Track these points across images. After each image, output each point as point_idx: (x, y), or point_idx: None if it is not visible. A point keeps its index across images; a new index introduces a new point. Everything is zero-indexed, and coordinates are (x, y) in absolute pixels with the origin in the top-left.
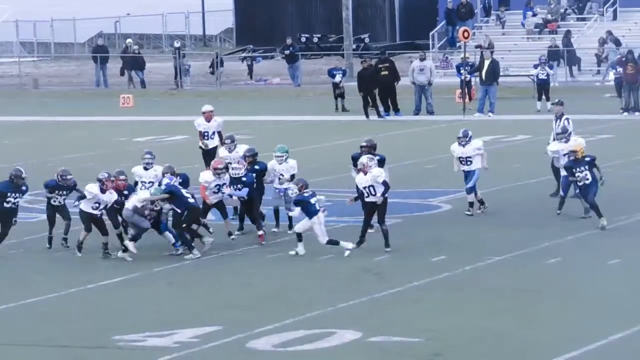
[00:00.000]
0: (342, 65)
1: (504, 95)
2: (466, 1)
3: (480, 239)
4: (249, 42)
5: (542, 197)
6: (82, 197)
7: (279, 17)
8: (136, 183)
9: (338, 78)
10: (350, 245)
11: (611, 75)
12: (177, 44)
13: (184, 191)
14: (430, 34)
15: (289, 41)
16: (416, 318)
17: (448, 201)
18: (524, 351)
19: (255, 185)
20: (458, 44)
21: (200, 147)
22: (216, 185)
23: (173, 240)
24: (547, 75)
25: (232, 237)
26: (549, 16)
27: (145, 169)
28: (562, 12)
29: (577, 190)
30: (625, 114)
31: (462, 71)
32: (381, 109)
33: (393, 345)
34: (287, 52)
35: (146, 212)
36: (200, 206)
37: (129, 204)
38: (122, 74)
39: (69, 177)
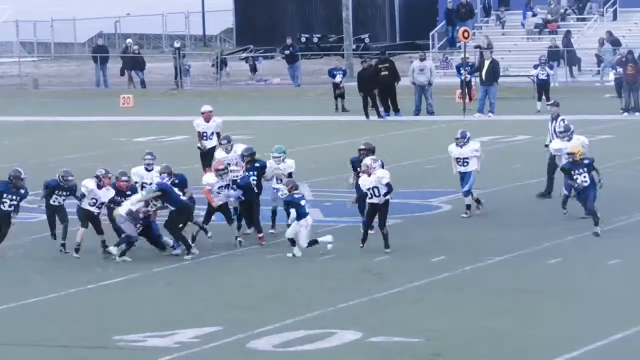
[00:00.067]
0: (342, 66)
1: (504, 96)
2: (466, 1)
3: (480, 239)
4: (249, 42)
5: (542, 197)
6: (83, 196)
7: (279, 17)
8: (136, 183)
9: (338, 78)
10: (329, 238)
11: (611, 76)
12: (177, 44)
13: (175, 189)
14: (430, 34)
15: (289, 41)
16: (416, 318)
17: (448, 201)
18: (524, 351)
19: (255, 184)
20: (458, 44)
21: (199, 148)
22: (219, 187)
23: (171, 243)
24: (547, 75)
25: (239, 239)
26: (549, 16)
27: (147, 169)
28: (562, 13)
29: (576, 194)
30: (625, 114)
31: (462, 71)
32: (381, 109)
33: (393, 345)
34: (287, 52)
35: (141, 215)
36: (194, 206)
37: (123, 209)
38: (122, 74)
39: (70, 178)
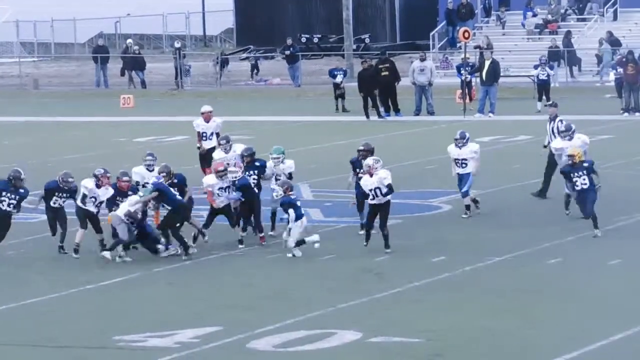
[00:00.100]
0: (342, 66)
1: (505, 96)
2: (466, 1)
3: (480, 239)
4: (249, 43)
5: (542, 198)
6: (84, 197)
7: (279, 18)
8: (137, 183)
9: (339, 78)
10: (316, 237)
11: (611, 76)
12: (177, 45)
13: (173, 190)
14: (431, 34)
15: (289, 41)
16: (416, 318)
17: (448, 202)
18: (524, 351)
19: (255, 183)
20: (458, 45)
21: (198, 148)
22: (220, 189)
23: (162, 248)
24: (548, 75)
25: (242, 234)
26: (549, 17)
27: (149, 170)
28: (563, 13)
29: (576, 196)
30: (626, 114)
31: (462, 71)
32: (381, 109)
33: (393, 345)
34: (287, 52)
35: (139, 215)
36: (192, 206)
37: (121, 210)
38: (122, 74)
39: (70, 179)
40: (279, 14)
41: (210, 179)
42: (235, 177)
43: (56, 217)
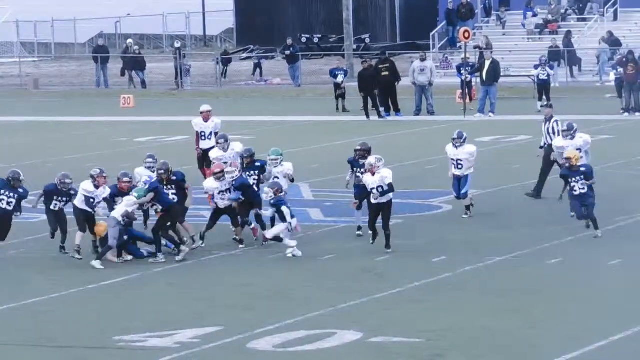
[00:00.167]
0: (343, 66)
1: (505, 96)
2: (467, 1)
3: (480, 239)
4: (249, 43)
5: (542, 198)
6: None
7: (279, 18)
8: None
9: (340, 78)
10: (293, 243)
11: (612, 76)
12: (177, 45)
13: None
14: (431, 34)
15: (289, 41)
16: (416, 318)
17: (449, 202)
18: (524, 351)
19: (255, 183)
20: (459, 45)
21: (197, 149)
22: (220, 192)
23: (145, 254)
24: (548, 75)
25: (240, 238)
26: (550, 16)
27: (151, 171)
28: (563, 13)
29: (575, 200)
30: (626, 114)
31: (462, 71)
32: (382, 109)
33: (393, 345)
34: (287, 52)
35: (136, 216)
36: (186, 209)
37: (117, 212)
38: (122, 74)
39: (67, 181)
40: (279, 14)
41: (210, 183)
42: (233, 177)
43: (57, 219)
